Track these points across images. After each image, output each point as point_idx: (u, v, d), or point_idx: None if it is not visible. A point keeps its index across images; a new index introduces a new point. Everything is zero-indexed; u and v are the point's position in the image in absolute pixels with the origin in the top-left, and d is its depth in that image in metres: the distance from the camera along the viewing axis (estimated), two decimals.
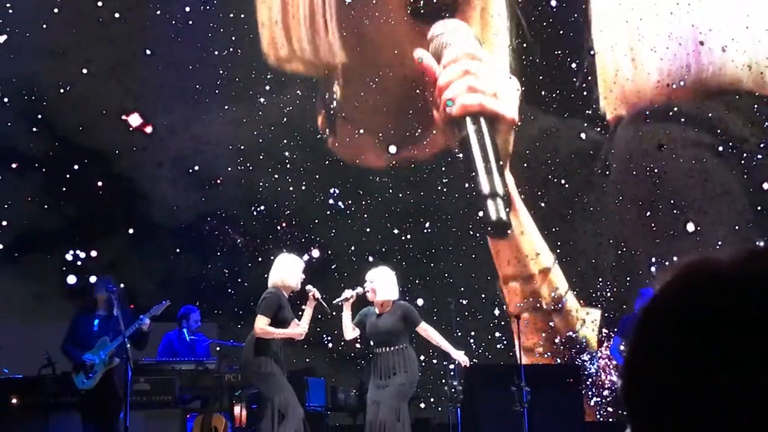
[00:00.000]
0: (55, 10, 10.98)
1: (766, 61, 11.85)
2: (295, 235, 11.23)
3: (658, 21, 11.85)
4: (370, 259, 10.12)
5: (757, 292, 0.75)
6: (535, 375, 8.68)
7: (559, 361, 11.30)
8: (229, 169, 11.23)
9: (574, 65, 11.97)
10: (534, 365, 10.42)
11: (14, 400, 7.84)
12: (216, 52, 11.29)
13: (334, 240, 11.29)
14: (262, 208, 11.32)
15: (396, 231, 11.36)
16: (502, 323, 11.26)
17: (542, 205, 11.68)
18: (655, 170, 11.71)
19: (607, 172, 11.89)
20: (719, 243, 11.02)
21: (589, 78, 11.98)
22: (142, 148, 11.13)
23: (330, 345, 10.68)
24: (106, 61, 11.03)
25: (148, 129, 11.15)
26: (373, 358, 7.12)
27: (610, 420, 11.06)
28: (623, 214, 11.83)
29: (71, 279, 10.44)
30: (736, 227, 11.45)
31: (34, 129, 10.87)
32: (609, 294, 11.49)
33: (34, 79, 10.86)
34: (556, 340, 11.39)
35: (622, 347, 8.71)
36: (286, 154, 11.39)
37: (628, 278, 11.39)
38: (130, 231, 11.00)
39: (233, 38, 11.37)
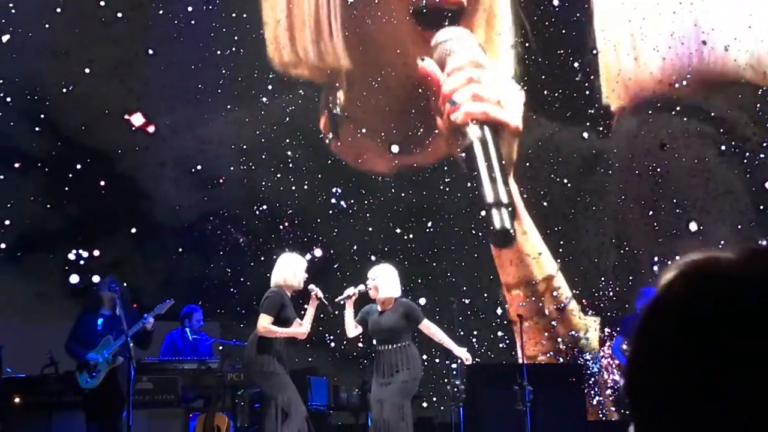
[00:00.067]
0: (58, 10, 10.98)
1: None
2: (297, 234, 11.22)
3: (661, 20, 11.85)
4: (373, 258, 10.09)
5: (758, 291, 0.75)
6: (538, 374, 8.68)
7: (561, 360, 11.29)
8: (232, 168, 11.23)
9: (576, 65, 11.96)
10: (536, 364, 10.42)
11: (17, 400, 7.84)
12: (219, 52, 11.29)
13: (336, 239, 11.29)
14: (265, 207, 11.32)
15: (398, 230, 11.36)
16: (504, 322, 11.26)
17: (544, 204, 11.67)
18: (658, 169, 11.70)
19: (610, 172, 11.88)
20: (722, 242, 11.00)
21: (592, 77, 11.98)
22: (144, 148, 11.13)
23: (332, 344, 10.68)
24: (109, 60, 11.03)
25: (151, 129, 11.15)
26: (375, 356, 7.11)
27: (613, 419, 11.06)
28: (626, 213, 11.83)
29: (74, 278, 10.44)
30: (739, 226, 11.45)
31: (37, 129, 10.86)
32: (611, 293, 11.48)
33: (37, 78, 10.86)
34: (558, 340, 11.39)
35: (624, 346, 8.70)
36: (289, 153, 11.38)
37: (630, 277, 11.37)
38: (133, 230, 11.00)
39: (236, 38, 11.37)
